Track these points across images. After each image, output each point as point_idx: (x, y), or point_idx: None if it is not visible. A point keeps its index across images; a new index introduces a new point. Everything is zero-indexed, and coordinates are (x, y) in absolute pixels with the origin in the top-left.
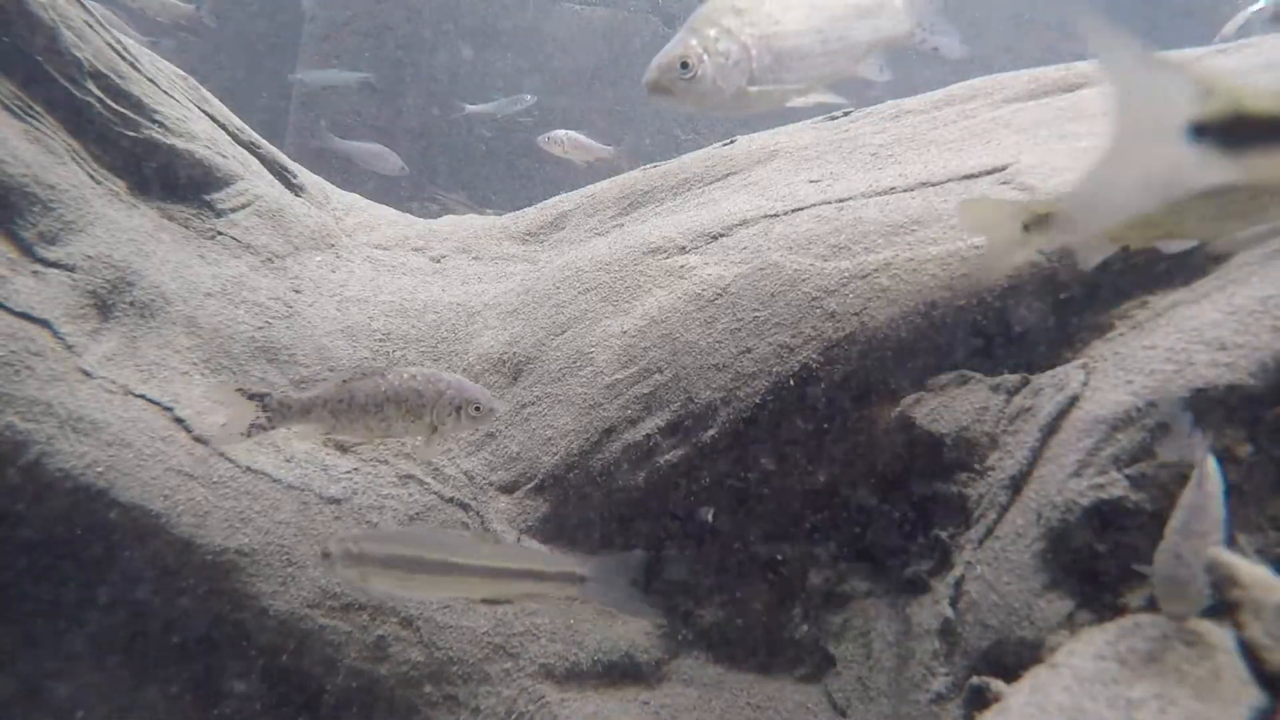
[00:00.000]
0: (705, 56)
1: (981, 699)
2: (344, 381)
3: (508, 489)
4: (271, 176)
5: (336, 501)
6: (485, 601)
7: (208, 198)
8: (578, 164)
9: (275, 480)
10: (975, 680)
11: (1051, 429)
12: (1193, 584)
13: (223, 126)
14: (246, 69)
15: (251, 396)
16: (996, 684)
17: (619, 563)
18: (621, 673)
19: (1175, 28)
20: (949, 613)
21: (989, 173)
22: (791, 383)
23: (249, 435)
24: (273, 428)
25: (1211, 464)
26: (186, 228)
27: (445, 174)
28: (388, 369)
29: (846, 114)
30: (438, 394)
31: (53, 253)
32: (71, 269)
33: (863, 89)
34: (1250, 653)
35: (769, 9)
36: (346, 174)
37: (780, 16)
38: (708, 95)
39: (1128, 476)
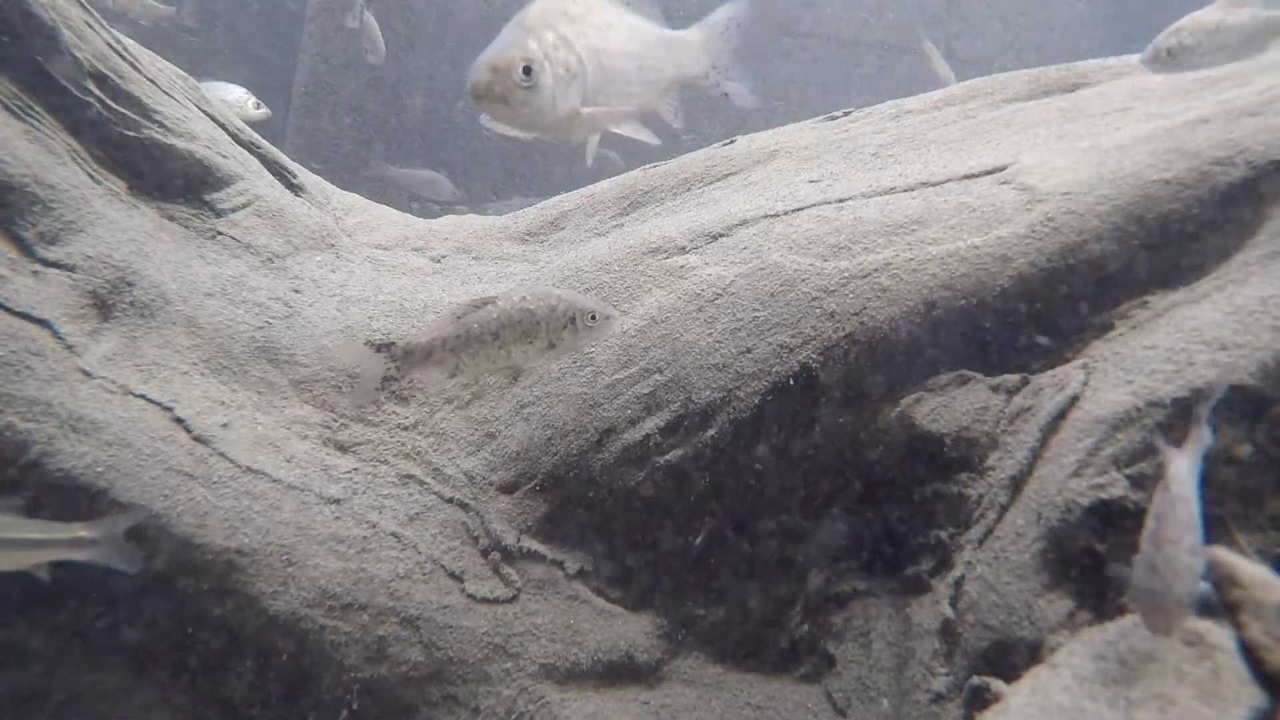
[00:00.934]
0: (547, 64)
1: (981, 699)
2: (458, 317)
3: (508, 489)
4: (271, 176)
5: (336, 501)
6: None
7: (208, 198)
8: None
9: (275, 480)
10: (975, 680)
11: (1051, 429)
12: (1170, 594)
13: (223, 126)
14: (247, 69)
15: (379, 348)
16: (996, 684)
17: (116, 520)
18: (621, 673)
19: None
20: (949, 613)
21: (989, 172)
22: (791, 383)
23: (382, 389)
24: (402, 376)
25: (1178, 466)
26: (186, 228)
27: (450, 172)
28: (498, 297)
29: (847, 114)
30: (550, 310)
31: (53, 253)
32: (71, 269)
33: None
34: (1250, 653)
35: (597, 23)
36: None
37: (607, 34)
38: (543, 112)
39: (1128, 476)
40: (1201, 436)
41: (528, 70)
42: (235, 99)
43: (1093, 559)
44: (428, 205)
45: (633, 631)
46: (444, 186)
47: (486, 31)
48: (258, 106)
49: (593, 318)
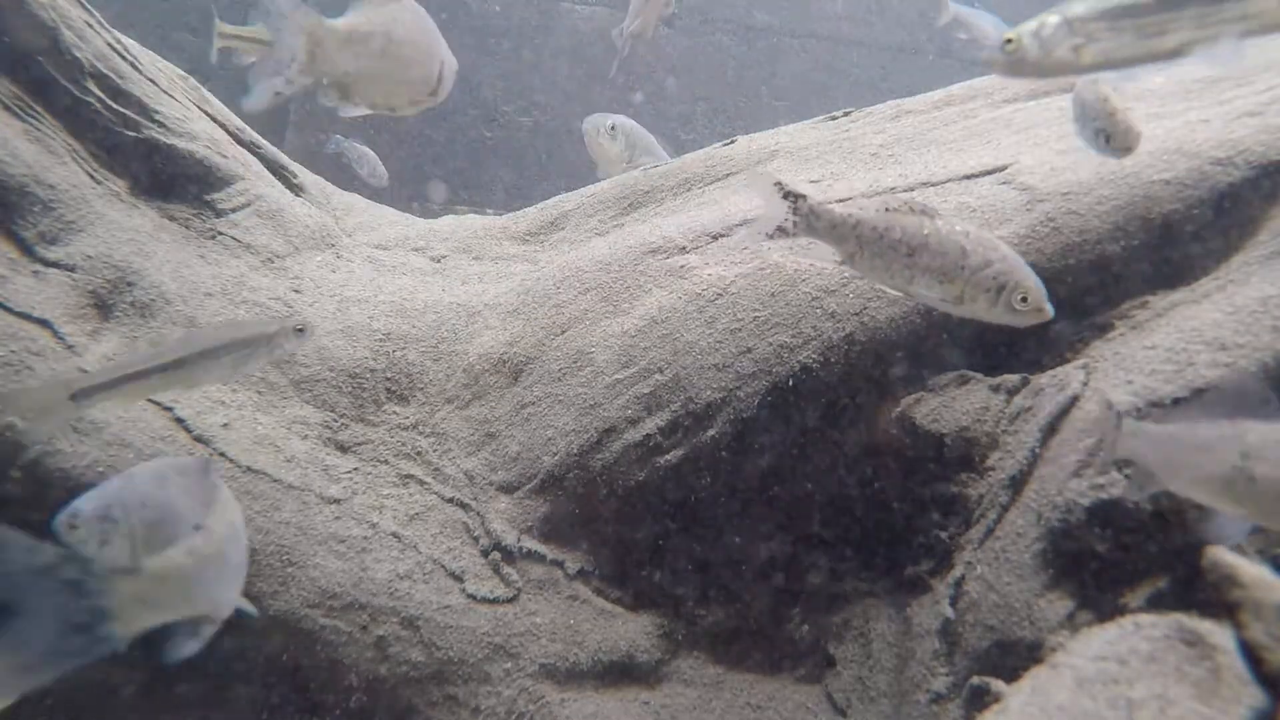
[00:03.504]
0: None
1: (981, 699)
2: (888, 210)
3: (508, 489)
4: (272, 176)
5: (336, 501)
6: None
7: (208, 198)
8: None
9: (275, 480)
10: (975, 680)
11: (1052, 429)
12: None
13: (223, 126)
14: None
15: (787, 195)
16: (996, 684)
17: None
18: (621, 673)
19: None
20: (949, 613)
21: (989, 172)
22: (791, 383)
23: (771, 237)
24: (794, 236)
25: None
26: (187, 228)
27: (447, 173)
28: (939, 214)
29: (847, 114)
30: (984, 262)
31: (53, 253)
32: (72, 269)
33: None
34: (1250, 653)
35: None
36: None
37: None
38: None
39: (1128, 476)
40: None
41: None
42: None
43: (1093, 559)
44: (428, 205)
45: (633, 631)
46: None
47: (487, 30)
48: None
49: (1024, 299)
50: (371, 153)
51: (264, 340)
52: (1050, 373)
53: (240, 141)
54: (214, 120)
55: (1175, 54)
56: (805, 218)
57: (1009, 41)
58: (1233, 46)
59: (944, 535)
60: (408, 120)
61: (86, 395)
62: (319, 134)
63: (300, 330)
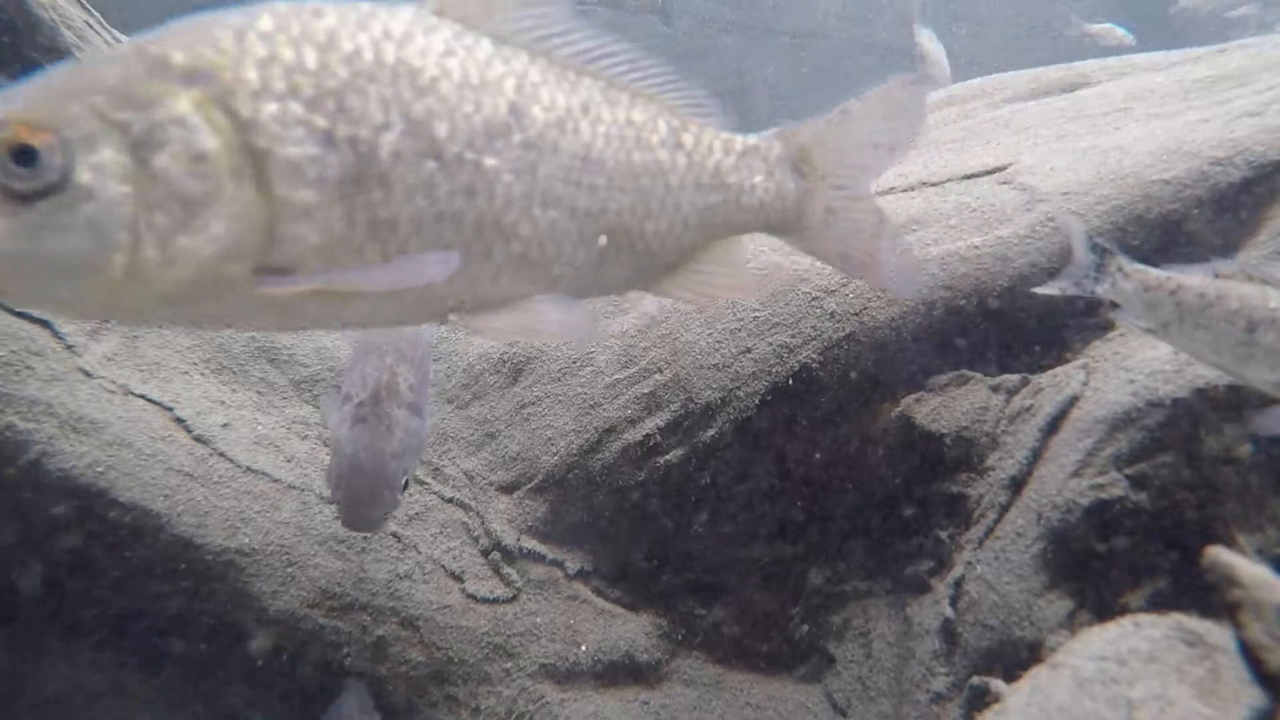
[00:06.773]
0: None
1: (981, 699)
2: (1216, 274)
3: (508, 489)
4: None
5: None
6: None
7: None
8: None
9: (275, 480)
10: (975, 680)
11: (1051, 429)
12: None
13: None
14: None
15: (1095, 248)
16: (996, 684)
17: None
18: (621, 673)
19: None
20: (949, 613)
21: (989, 172)
22: (791, 383)
23: (1065, 291)
24: (1087, 294)
25: None
26: None
27: None
28: (1274, 279)
29: None
30: None
31: None
32: None
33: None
34: (1250, 653)
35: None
36: None
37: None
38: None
39: (1128, 476)
40: None
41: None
42: None
43: (1093, 559)
44: None
45: (633, 631)
46: None
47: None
48: None
49: None
50: None
51: None
52: (1050, 372)
53: None
54: None
55: None
56: (1113, 275)
57: None
58: None
59: (944, 535)
60: None
61: None
62: None
63: None
